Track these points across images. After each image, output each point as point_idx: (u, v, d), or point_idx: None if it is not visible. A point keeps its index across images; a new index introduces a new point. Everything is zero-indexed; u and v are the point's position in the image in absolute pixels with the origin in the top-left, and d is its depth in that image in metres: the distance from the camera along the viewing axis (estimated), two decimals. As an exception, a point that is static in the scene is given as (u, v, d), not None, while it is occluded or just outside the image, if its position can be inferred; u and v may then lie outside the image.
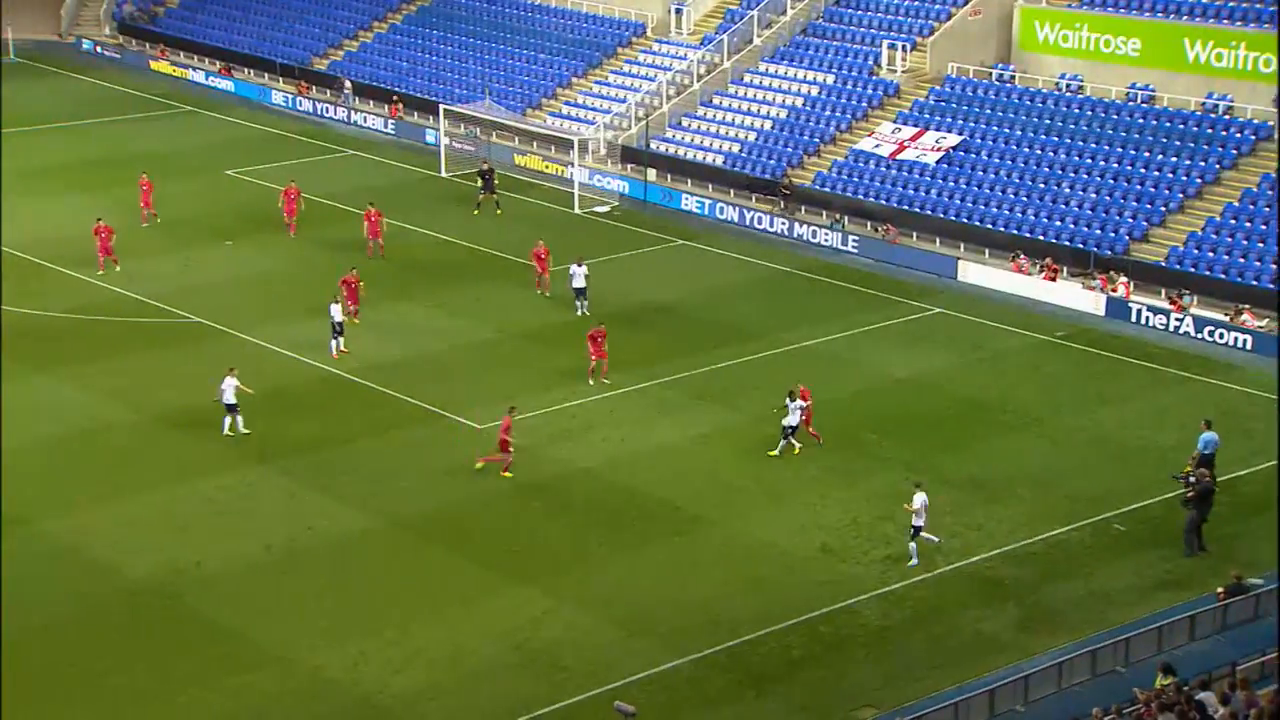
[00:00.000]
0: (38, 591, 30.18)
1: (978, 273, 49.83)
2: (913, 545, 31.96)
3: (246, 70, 72.93)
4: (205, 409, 38.19)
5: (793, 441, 36.65)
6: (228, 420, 36.78)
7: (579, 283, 45.27)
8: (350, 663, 28.24)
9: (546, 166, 60.54)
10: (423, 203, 56.17)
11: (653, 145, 59.91)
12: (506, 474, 35.27)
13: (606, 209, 56.63)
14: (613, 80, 65.24)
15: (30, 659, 28.02)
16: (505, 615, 29.95)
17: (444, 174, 59.69)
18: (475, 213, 54.65)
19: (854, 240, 52.60)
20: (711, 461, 36.70)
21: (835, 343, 44.26)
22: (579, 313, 44.91)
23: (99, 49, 77.94)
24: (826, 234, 53.33)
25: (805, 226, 54.03)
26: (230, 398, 36.65)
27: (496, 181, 55.74)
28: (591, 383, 39.92)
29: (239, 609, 29.87)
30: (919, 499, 31.85)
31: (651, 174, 58.97)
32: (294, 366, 41.12)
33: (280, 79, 71.67)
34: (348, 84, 68.97)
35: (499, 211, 54.67)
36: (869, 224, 53.72)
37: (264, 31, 75.10)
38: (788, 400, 36.69)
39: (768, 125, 59.57)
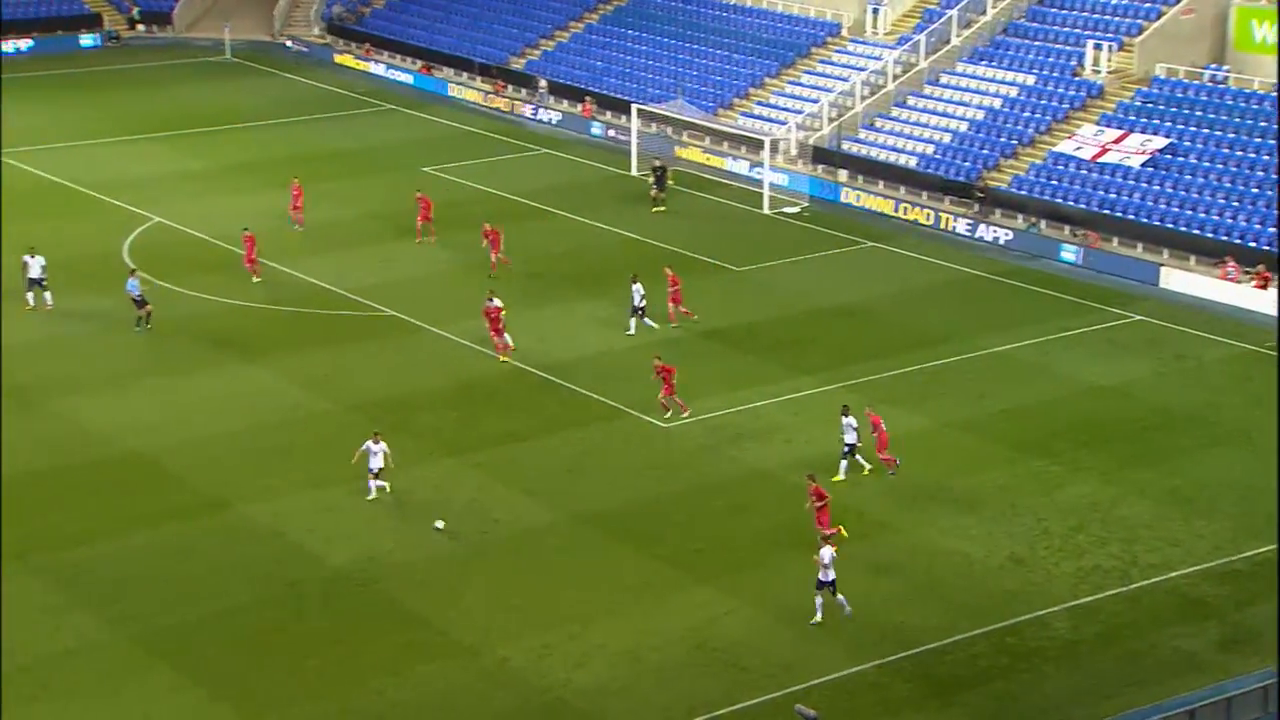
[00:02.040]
0: (240, 572, 31.32)
1: (1182, 279, 48.25)
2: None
3: (445, 69, 74.53)
4: (398, 400, 39.15)
5: (861, 461, 35.50)
6: (374, 485, 34.09)
7: (638, 301, 43.46)
8: (534, 655, 28.65)
9: (708, 159, 60.48)
10: (610, 201, 56.66)
11: (844, 146, 59.42)
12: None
13: (796, 209, 56.38)
14: (806, 80, 64.92)
15: (233, 636, 29.10)
16: (686, 614, 30.05)
17: (635, 173, 60.09)
18: (654, 210, 54.89)
19: (1049, 244, 51.43)
20: (899, 467, 36.21)
21: (1028, 349, 43.32)
22: (633, 331, 43.06)
23: (291, 45, 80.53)
24: (1019, 237, 52.24)
25: (998, 229, 53.02)
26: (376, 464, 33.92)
27: (671, 180, 55.83)
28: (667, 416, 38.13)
29: (429, 598, 30.55)
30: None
31: (842, 175, 58.51)
32: (485, 362, 41.87)
33: (478, 78, 73.06)
34: (543, 83, 69.97)
35: (663, 209, 54.76)
36: (1067, 228, 52.45)
37: (464, 31, 76.65)
38: (842, 417, 35.57)
39: (963, 127, 58.60)
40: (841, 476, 35.18)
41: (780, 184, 57.41)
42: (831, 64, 65.08)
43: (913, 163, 57.97)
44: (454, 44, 75.91)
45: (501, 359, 41.37)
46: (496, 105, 70.12)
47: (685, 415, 38.04)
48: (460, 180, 59.10)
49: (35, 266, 44.39)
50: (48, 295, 44.51)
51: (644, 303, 43.49)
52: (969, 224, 53.67)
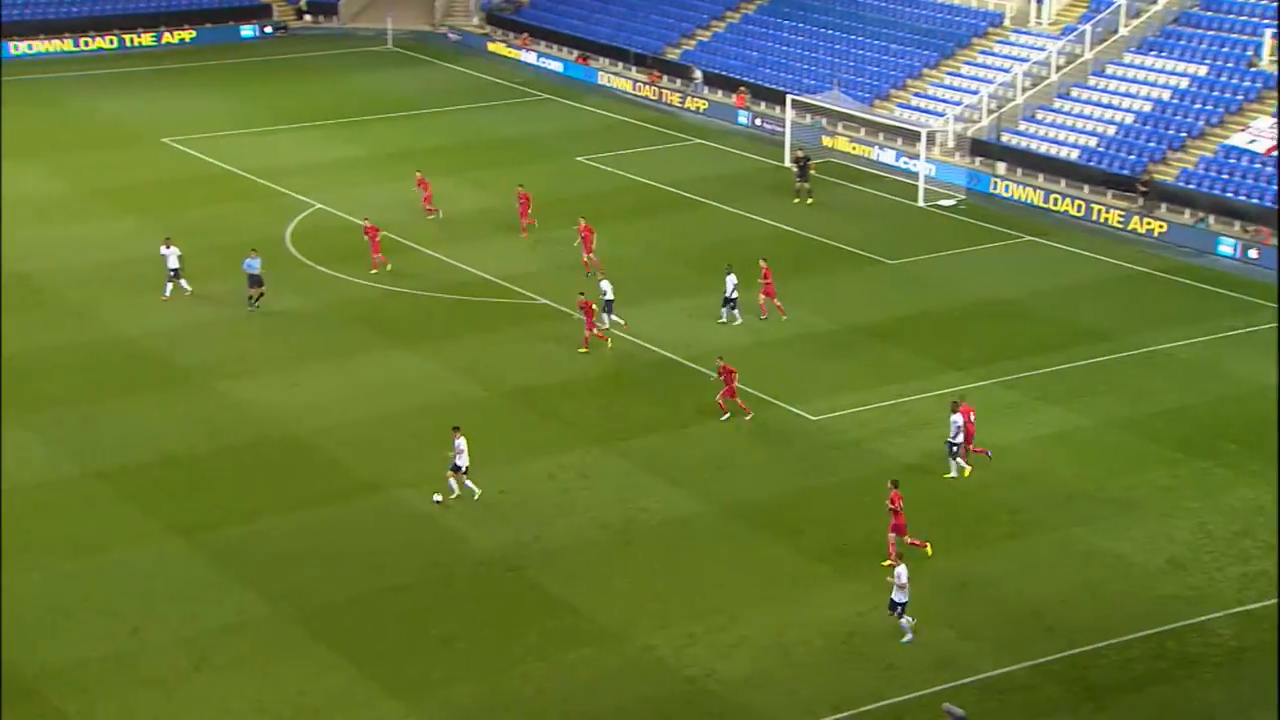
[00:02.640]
0: (393, 554, 32.00)
1: (1357, 279, 46.58)
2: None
3: (600, 58, 75.01)
4: (548, 388, 39.62)
5: (963, 464, 34.77)
6: (453, 483, 33.58)
7: (730, 292, 43.14)
8: (679, 644, 28.78)
9: (855, 149, 59.93)
10: (761, 192, 56.51)
11: (1004, 138, 58.44)
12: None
13: (952, 202, 55.63)
14: (965, 71, 63.98)
15: (385, 616, 29.76)
16: (833, 608, 29.93)
17: (788, 164, 59.80)
18: (795, 201, 54.63)
19: (1210, 239, 49.99)
20: (1051, 465, 35.64)
21: (1193, 347, 42.21)
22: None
23: (453, 35, 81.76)
24: (1187, 234, 50.86)
25: (1164, 225, 51.69)
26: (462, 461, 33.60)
27: (813, 171, 55.43)
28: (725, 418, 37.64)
29: (575, 584, 30.87)
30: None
31: (1001, 168, 57.58)
32: (633, 350, 42.12)
33: (633, 68, 73.40)
34: (698, 73, 70.03)
35: (809, 201, 54.43)
36: (1237, 224, 50.91)
37: (621, 21, 77.05)
38: (951, 414, 34.76)
39: (1129, 119, 57.22)
40: (953, 475, 34.70)
41: (934, 176, 56.71)
42: (992, 55, 64.04)
43: (1074, 155, 56.79)
44: (610, 34, 76.33)
45: (581, 351, 41.41)
46: (645, 94, 70.35)
47: (748, 418, 37.56)
48: (613, 170, 59.46)
49: (172, 258, 44.97)
50: (184, 283, 45.02)
51: (735, 294, 43.23)
52: (1121, 217, 52.42)
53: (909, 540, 31.36)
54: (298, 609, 29.92)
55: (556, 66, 75.49)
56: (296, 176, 57.51)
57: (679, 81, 70.86)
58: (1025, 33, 64.04)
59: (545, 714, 26.97)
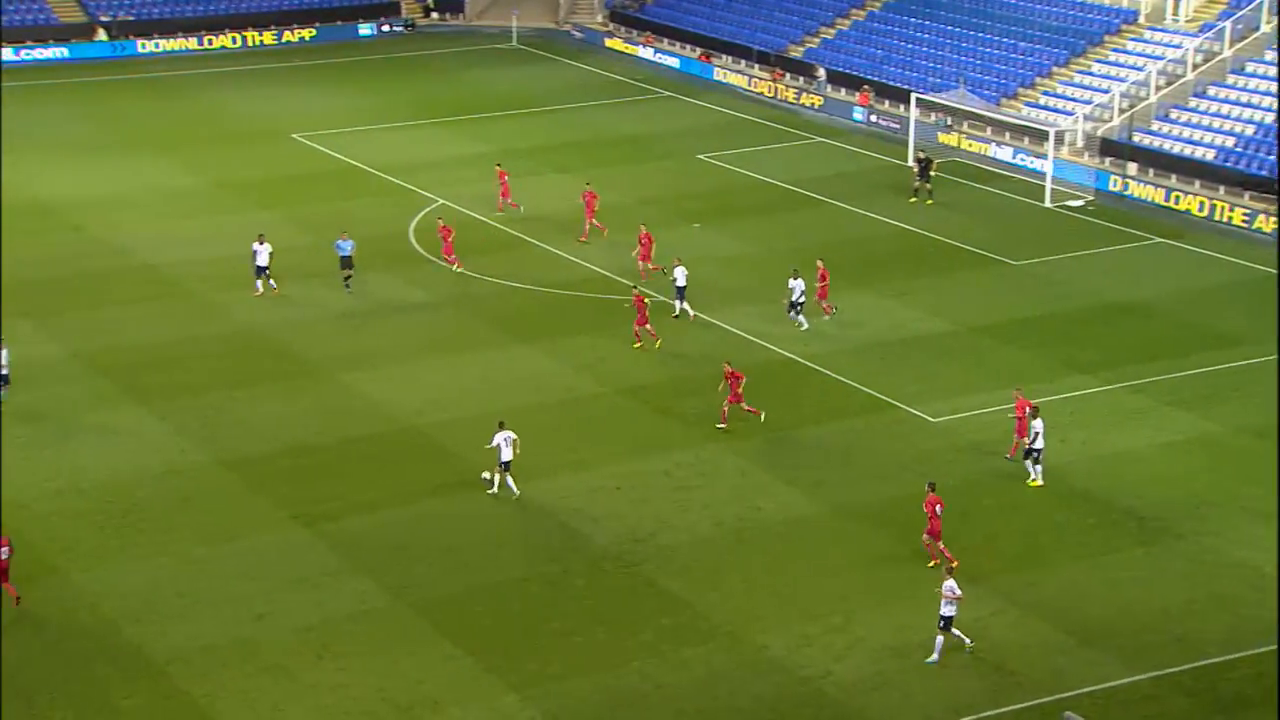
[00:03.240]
0: (511, 548, 32.40)
1: None
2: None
3: (724, 56, 75.08)
4: (666, 385, 39.80)
5: (1033, 470, 34.34)
6: (494, 477, 33.97)
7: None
8: (794, 645, 28.79)
9: (968, 145, 59.24)
10: (885, 192, 56.16)
11: (1136, 138, 57.44)
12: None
13: (1080, 203, 54.80)
14: (1096, 70, 63.00)
15: (503, 609, 30.16)
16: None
17: (911, 163, 59.37)
18: (912, 200, 54.16)
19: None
20: (1182, 472, 35.01)
21: (1330, 354, 41.17)
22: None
23: (577, 33, 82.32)
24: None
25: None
26: (506, 455, 33.88)
27: (934, 171, 54.83)
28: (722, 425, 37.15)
29: (691, 582, 31.01)
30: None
31: (1132, 168, 56.60)
32: (751, 349, 42.14)
33: (755, 65, 73.35)
34: (821, 71, 69.78)
35: (929, 202, 53.89)
36: (1379, 227, 49.58)
37: (744, 19, 77.04)
38: (1032, 420, 34.30)
39: (1269, 119, 55.89)
40: (1037, 480, 34.30)
41: (1062, 176, 55.92)
42: (1125, 52, 62.99)
43: (1210, 156, 55.64)
44: (733, 31, 76.37)
45: (635, 345, 41.76)
46: (760, 90, 70.18)
47: (760, 419, 37.30)
48: (732, 168, 59.48)
49: (263, 254, 45.38)
50: (273, 282, 45.43)
51: (803, 298, 42.84)
52: (1245, 215, 51.23)
53: (938, 547, 30.82)
54: (417, 599, 30.44)
55: (674, 63, 75.70)
56: (421, 172, 58.38)
57: (802, 79, 70.68)
58: (1161, 30, 62.88)
59: (660, 711, 27.15)
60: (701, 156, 60.88)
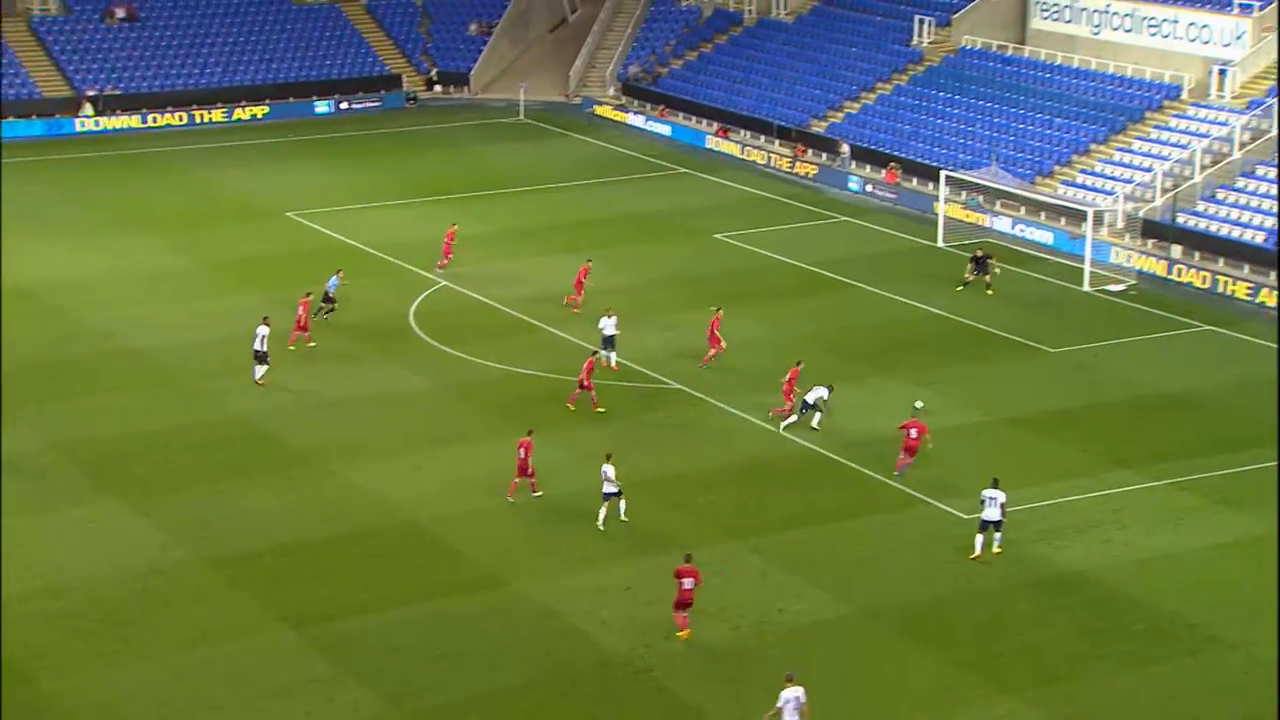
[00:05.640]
0: (514, 652, 32.23)
1: None
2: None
3: (743, 132, 75.86)
4: (679, 477, 39.80)
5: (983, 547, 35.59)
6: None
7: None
8: (816, 758, 28.54)
9: (1002, 226, 59.62)
10: (914, 274, 56.47)
11: (1180, 219, 57.78)
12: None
13: (1121, 287, 55.02)
14: (1138, 147, 63.53)
15: (506, 718, 29.95)
16: (985, 725, 29.48)
17: (941, 244, 59.76)
18: (959, 290, 54.28)
19: None
20: (1234, 575, 34.89)
21: (1389, 449, 41.08)
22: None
23: (584, 105, 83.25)
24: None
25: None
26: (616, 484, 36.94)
27: (997, 270, 54.76)
28: (512, 500, 38.39)
29: (706, 689, 30.84)
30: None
31: (1177, 250, 56.88)
32: (771, 441, 42.18)
33: (776, 141, 74.07)
34: (845, 147, 70.43)
35: (989, 292, 54.01)
36: None
37: (764, 93, 77.86)
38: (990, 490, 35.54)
39: (1319, 199, 56.28)
40: (978, 553, 35.57)
41: (1102, 259, 56.20)
42: (1169, 129, 63.53)
43: (1259, 238, 55.90)
44: (752, 105, 77.18)
45: (570, 406, 43.49)
46: (781, 166, 70.91)
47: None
48: (754, 249, 59.86)
49: (258, 339, 45.30)
50: (261, 369, 45.35)
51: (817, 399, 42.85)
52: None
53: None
54: (413, 709, 30.27)
55: (664, 129, 76.79)
56: (423, 252, 58.83)
57: (825, 155, 71.34)
58: (1206, 106, 63.45)
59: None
60: (719, 236, 61.34)
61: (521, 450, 38.76)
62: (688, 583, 32.35)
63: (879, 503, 38.73)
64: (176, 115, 79.98)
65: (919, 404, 41.49)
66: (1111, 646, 32.14)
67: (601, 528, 36.91)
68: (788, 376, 43.05)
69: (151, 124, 79.50)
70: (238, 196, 67.47)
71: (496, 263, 57.70)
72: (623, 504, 37.12)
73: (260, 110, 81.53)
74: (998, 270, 54.72)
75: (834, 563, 35.83)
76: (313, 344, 48.29)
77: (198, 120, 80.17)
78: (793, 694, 28.37)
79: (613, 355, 47.08)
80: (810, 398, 42.63)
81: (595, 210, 65.56)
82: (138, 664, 31.76)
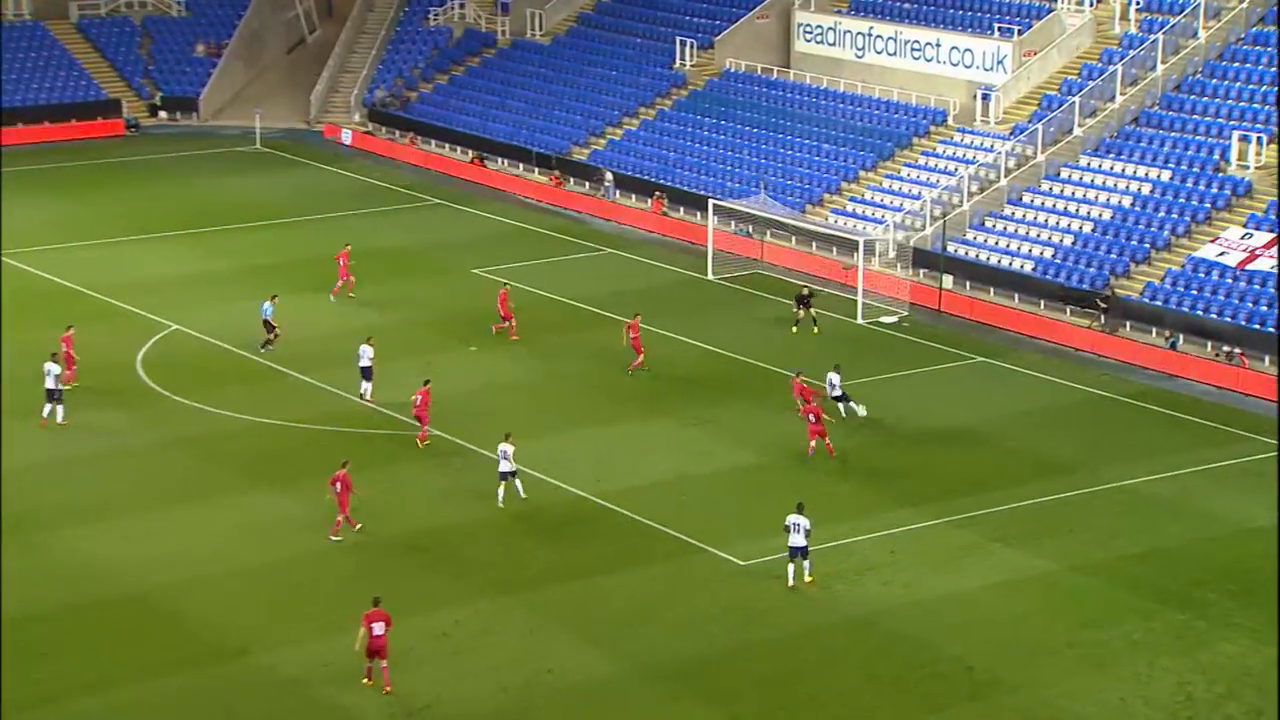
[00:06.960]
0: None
1: (1342, 404, 47.91)
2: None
3: (500, 160, 75.97)
4: (440, 530, 39.50)
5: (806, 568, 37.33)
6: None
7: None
8: (593, 827, 28.54)
9: (771, 258, 61.02)
10: (684, 308, 57.25)
11: (950, 248, 59.81)
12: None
13: (894, 320, 56.66)
14: (906, 174, 65.57)
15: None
16: (770, 782, 29.85)
17: (710, 276, 60.71)
18: (794, 330, 54.96)
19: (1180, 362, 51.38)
20: (1014, 616, 36.05)
21: (1165, 482, 43.09)
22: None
23: (335, 134, 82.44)
24: (1154, 356, 52.20)
25: (1129, 345, 53.03)
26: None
27: (813, 307, 55.75)
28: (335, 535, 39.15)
29: (472, 758, 30.59)
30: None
31: (948, 281, 58.83)
32: (539, 487, 42.19)
33: (535, 169, 74.39)
34: (609, 175, 71.13)
35: (815, 330, 54.90)
36: (1209, 344, 52.32)
37: (521, 119, 78.13)
38: (793, 515, 37.00)
39: (1087, 228, 58.86)
40: (793, 581, 36.80)
41: (874, 289, 57.73)
42: (935, 156, 65.73)
43: (1029, 268, 58.19)
44: (509, 131, 77.39)
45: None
46: (538, 197, 71.31)
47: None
48: (513, 284, 59.93)
49: (50, 378, 45.40)
50: (60, 409, 45.45)
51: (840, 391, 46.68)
52: (1097, 339, 53.57)
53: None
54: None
55: (442, 167, 76.36)
56: (150, 294, 57.39)
57: (587, 184, 71.91)
58: (972, 132, 65.85)
59: None
60: (477, 271, 61.24)
61: (337, 485, 38.77)
62: (378, 628, 32.36)
63: (653, 552, 39.02)
64: None
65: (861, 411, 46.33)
66: (896, 694, 32.87)
67: (501, 505, 40.31)
68: (418, 399, 44.48)
69: None
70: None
71: (233, 303, 56.51)
72: (519, 483, 40.57)
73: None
74: (813, 312, 55.44)
75: (607, 617, 35.95)
76: (77, 383, 47.39)
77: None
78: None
79: (369, 387, 47.31)
80: (835, 391, 46.36)
81: (341, 246, 64.69)
82: None
